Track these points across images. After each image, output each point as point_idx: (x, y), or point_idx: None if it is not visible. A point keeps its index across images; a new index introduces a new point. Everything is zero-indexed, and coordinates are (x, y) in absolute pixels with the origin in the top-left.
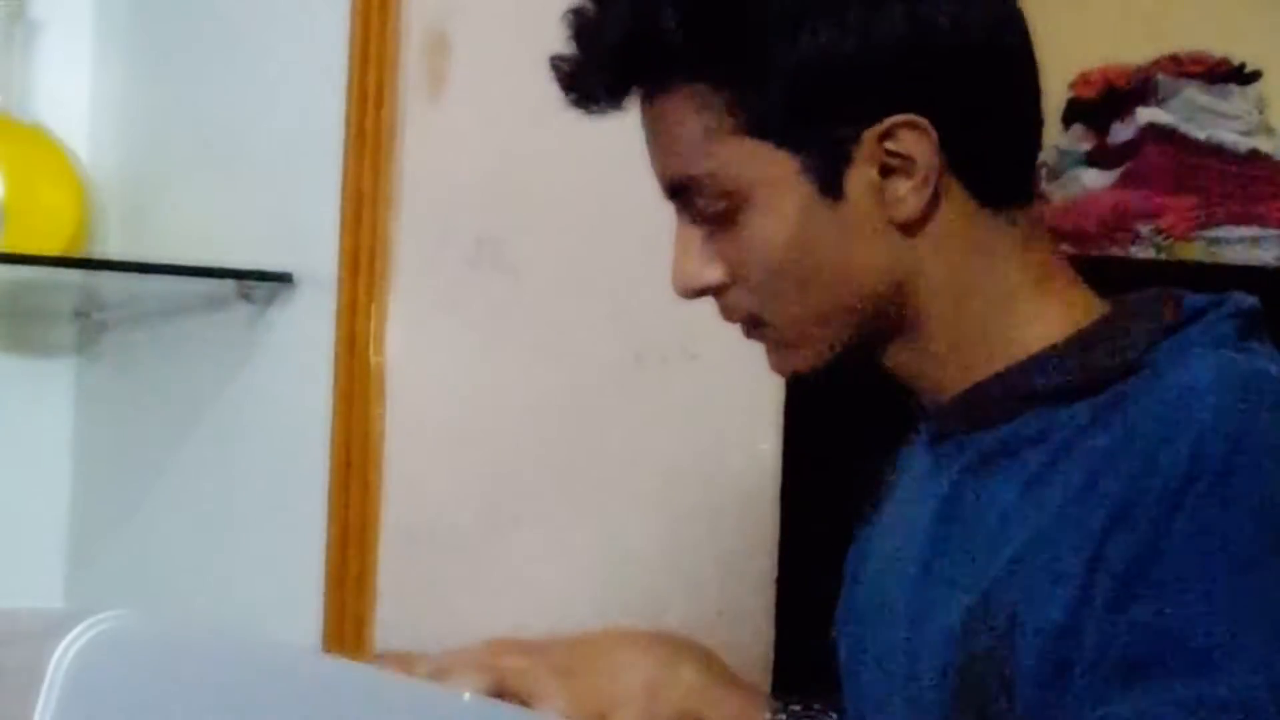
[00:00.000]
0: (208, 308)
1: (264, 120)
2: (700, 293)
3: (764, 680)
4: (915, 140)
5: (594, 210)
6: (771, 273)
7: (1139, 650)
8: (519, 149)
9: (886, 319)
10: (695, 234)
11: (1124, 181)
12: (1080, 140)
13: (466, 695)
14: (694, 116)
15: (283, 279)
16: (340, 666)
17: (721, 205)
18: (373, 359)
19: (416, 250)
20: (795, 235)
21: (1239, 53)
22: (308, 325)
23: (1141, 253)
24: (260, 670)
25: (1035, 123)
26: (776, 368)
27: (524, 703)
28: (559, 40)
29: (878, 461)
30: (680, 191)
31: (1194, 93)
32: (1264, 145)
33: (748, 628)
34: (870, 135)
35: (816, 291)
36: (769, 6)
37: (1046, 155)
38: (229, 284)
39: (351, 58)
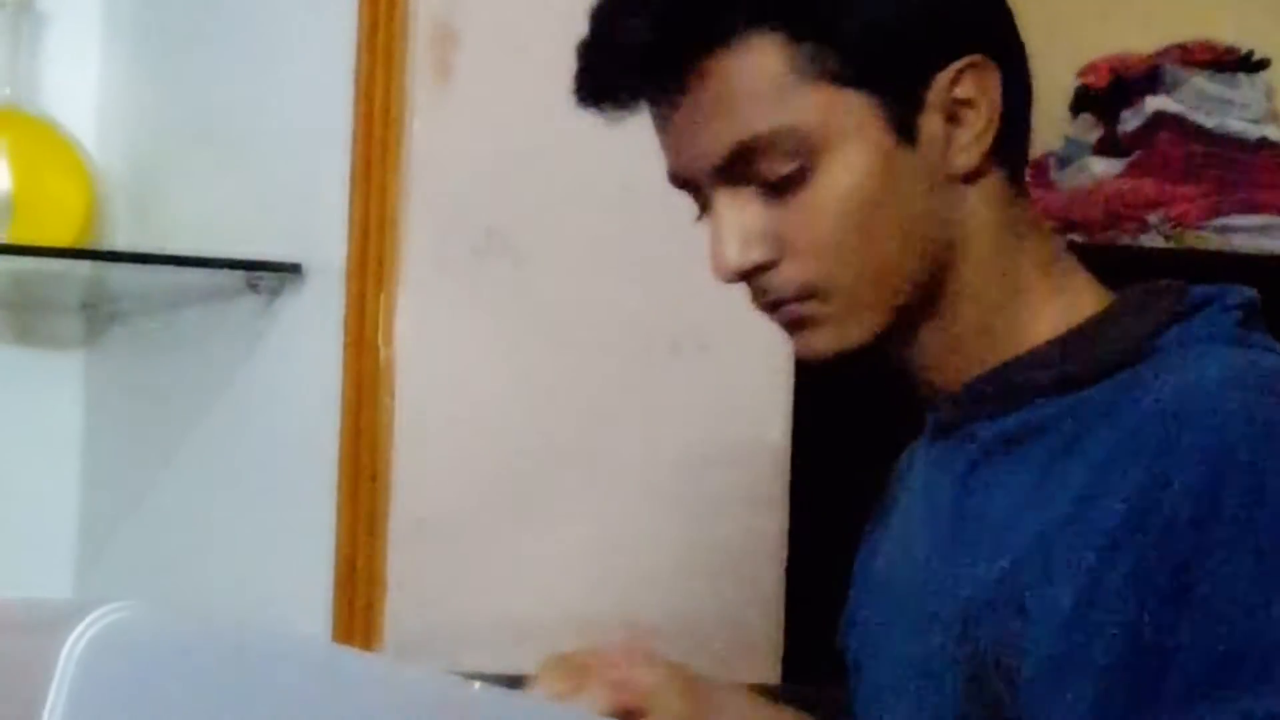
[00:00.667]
0: (216, 299)
1: (272, 111)
2: (744, 275)
3: (774, 671)
4: (981, 82)
5: (603, 201)
6: (842, 227)
7: (1197, 667)
8: (527, 140)
9: (925, 293)
10: (742, 210)
11: (1132, 170)
12: (1089, 129)
13: (476, 685)
14: (765, 69)
15: (291, 270)
16: (350, 657)
17: (791, 165)
18: (381, 350)
19: (425, 241)
20: (872, 182)
21: (1247, 41)
22: (316, 316)
23: (1150, 241)
24: (270, 661)
25: (1031, 88)
26: (824, 346)
27: None
28: (565, 31)
29: (886, 461)
30: (736, 162)
31: (1202, 81)
32: (1272, 133)
33: (758, 618)
34: (941, 78)
35: (882, 246)
36: None
37: (1055, 144)
38: (237, 275)
39: (359, 49)
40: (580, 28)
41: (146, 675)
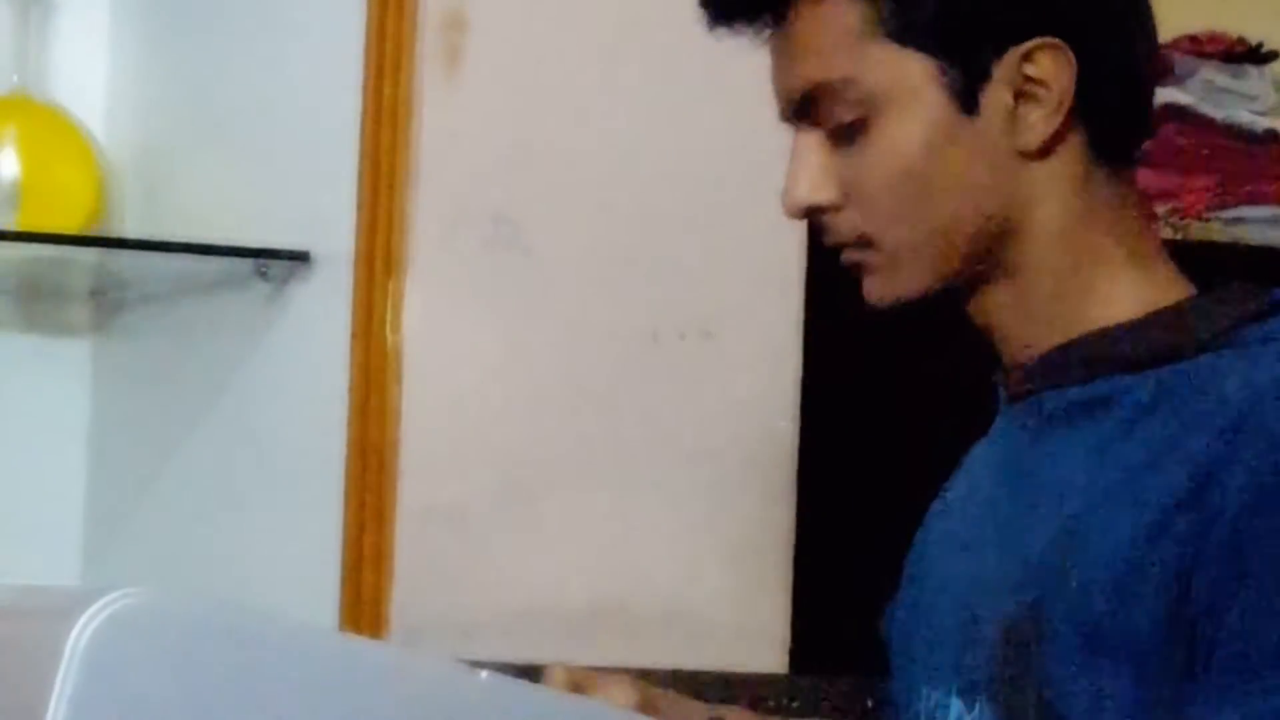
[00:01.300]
0: (224, 286)
1: (281, 99)
2: (809, 212)
3: (781, 660)
4: (1054, 65)
5: (611, 189)
6: (894, 186)
7: (1242, 648)
8: (536, 127)
9: (992, 256)
10: (815, 150)
11: (1141, 161)
12: None
13: (484, 674)
14: (841, 19)
15: (300, 258)
16: (358, 645)
17: (855, 114)
18: (390, 338)
19: (434, 229)
20: (925, 146)
21: (1256, 33)
22: (325, 304)
23: (1158, 233)
24: (277, 649)
25: (1152, 74)
26: (879, 294)
27: None
28: (575, 17)
29: (893, 452)
30: (810, 102)
31: (1211, 73)
32: None
33: (766, 607)
34: (1012, 55)
35: (934, 210)
36: None
37: None
38: (246, 263)
39: (368, 36)
40: (589, 16)
41: (153, 662)
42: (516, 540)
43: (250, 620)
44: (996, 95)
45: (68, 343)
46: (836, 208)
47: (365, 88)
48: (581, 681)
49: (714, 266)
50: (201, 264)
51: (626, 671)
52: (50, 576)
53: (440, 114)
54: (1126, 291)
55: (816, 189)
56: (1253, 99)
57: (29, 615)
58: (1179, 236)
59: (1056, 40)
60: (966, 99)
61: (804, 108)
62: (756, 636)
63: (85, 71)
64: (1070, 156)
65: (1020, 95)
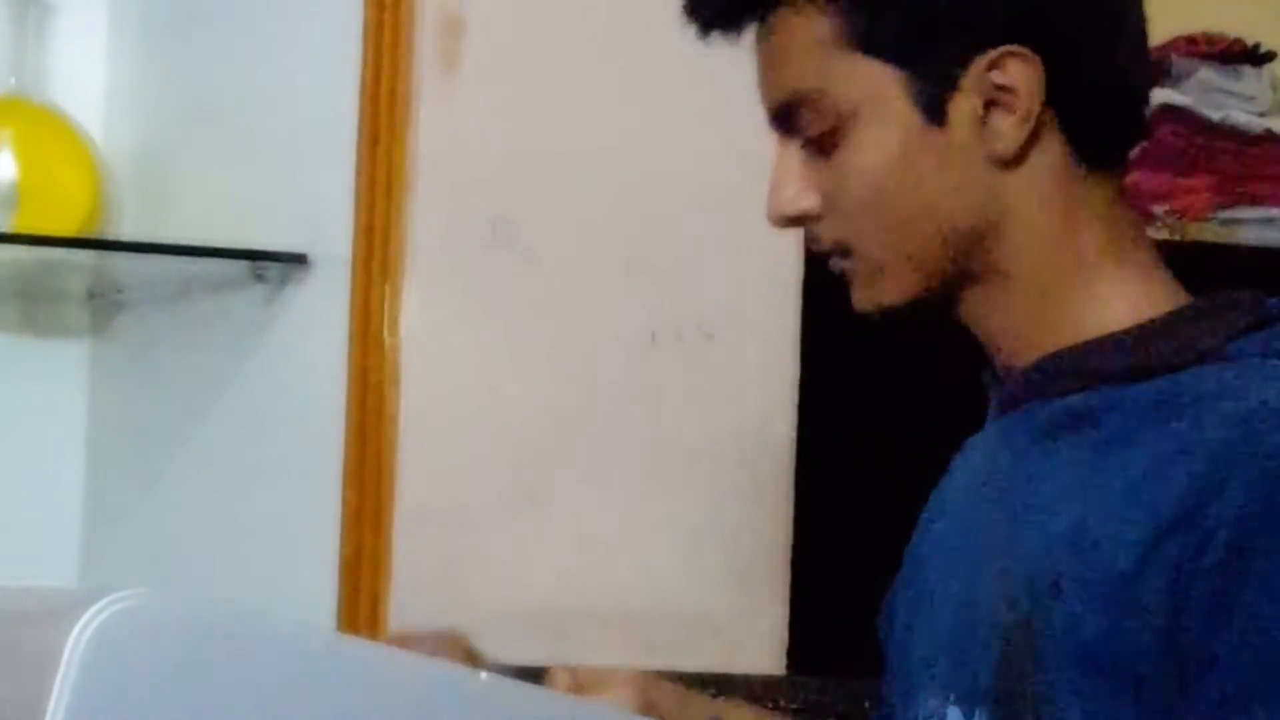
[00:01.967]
0: (222, 288)
1: (279, 101)
2: (793, 220)
3: (779, 662)
4: (1021, 72)
5: (609, 191)
6: (867, 197)
7: (1236, 676)
8: (534, 130)
9: (974, 261)
10: (795, 160)
11: (1137, 162)
12: None
13: (483, 674)
14: (808, 32)
15: (297, 260)
16: (355, 646)
17: (828, 124)
18: (387, 340)
19: (431, 231)
20: (895, 158)
21: (1253, 34)
22: (322, 306)
23: (1155, 234)
24: (274, 650)
25: (1141, 78)
26: (864, 302)
27: None
28: (572, 19)
29: (890, 453)
30: (787, 112)
31: (1208, 73)
32: (1277, 126)
33: (763, 608)
34: (978, 63)
35: (909, 220)
36: None
37: None
38: (243, 265)
39: (366, 39)
40: (586, 19)
41: (152, 664)
42: (514, 541)
43: (248, 622)
44: (965, 104)
45: (65, 345)
46: (818, 216)
47: (363, 90)
48: (584, 682)
49: (712, 268)
50: (199, 266)
51: (630, 671)
52: (48, 578)
53: (438, 117)
54: (1118, 299)
55: (798, 198)
56: (1250, 99)
57: (27, 617)
58: (1176, 237)
59: (1023, 48)
60: (934, 109)
61: (784, 117)
62: (755, 638)
63: (83, 74)
64: (1050, 162)
65: (990, 103)
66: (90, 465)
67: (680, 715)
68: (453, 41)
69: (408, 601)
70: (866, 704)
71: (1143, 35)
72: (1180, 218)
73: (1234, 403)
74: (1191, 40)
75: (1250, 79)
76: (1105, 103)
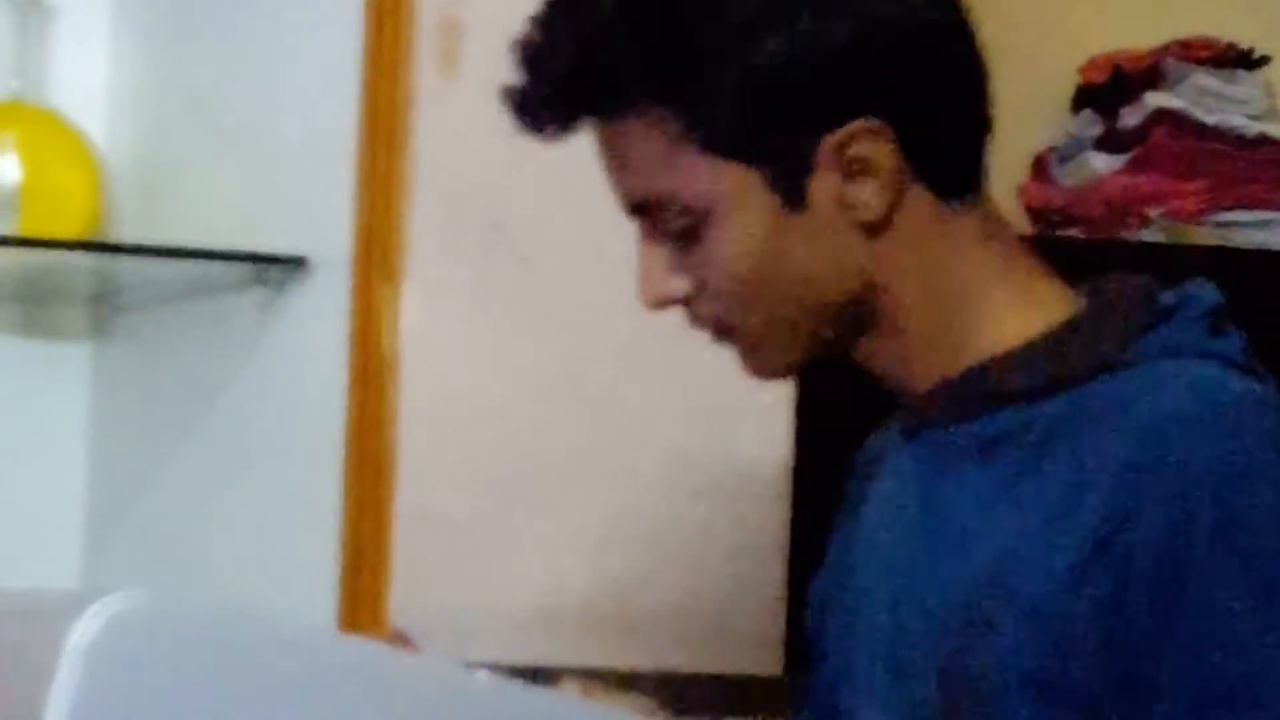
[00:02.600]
0: (222, 291)
1: (279, 104)
2: (667, 305)
3: (776, 664)
4: (875, 144)
5: (607, 194)
6: (738, 284)
7: (1184, 701)
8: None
9: (857, 316)
10: (658, 249)
11: (1133, 166)
12: (1090, 125)
13: (483, 674)
14: (650, 137)
15: (297, 263)
16: (355, 646)
17: (685, 221)
18: (386, 342)
19: (430, 234)
20: (760, 247)
21: (1247, 38)
22: (322, 309)
23: (1151, 237)
24: (275, 649)
25: (984, 108)
26: (752, 371)
27: None
28: None
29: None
30: (642, 209)
31: (1202, 77)
32: (1272, 129)
33: (760, 610)
34: (829, 142)
35: (784, 299)
36: (715, 23)
37: (1056, 140)
38: (243, 268)
39: (365, 41)
40: None
41: (153, 663)
42: (513, 542)
43: (249, 622)
44: (824, 183)
45: (67, 347)
46: (691, 297)
47: (362, 93)
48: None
49: None
50: (200, 269)
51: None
52: (50, 580)
53: (436, 119)
54: (1008, 317)
55: (667, 284)
56: (1244, 103)
57: (29, 617)
58: (1171, 240)
59: (873, 122)
60: (792, 196)
61: (640, 212)
62: (752, 638)
63: (85, 77)
64: (917, 212)
65: (848, 174)
66: (92, 467)
67: None
68: (452, 45)
69: (408, 601)
70: None
71: (982, 69)
72: (1175, 221)
73: (1142, 415)
74: (1186, 45)
75: (1245, 83)
76: (959, 143)
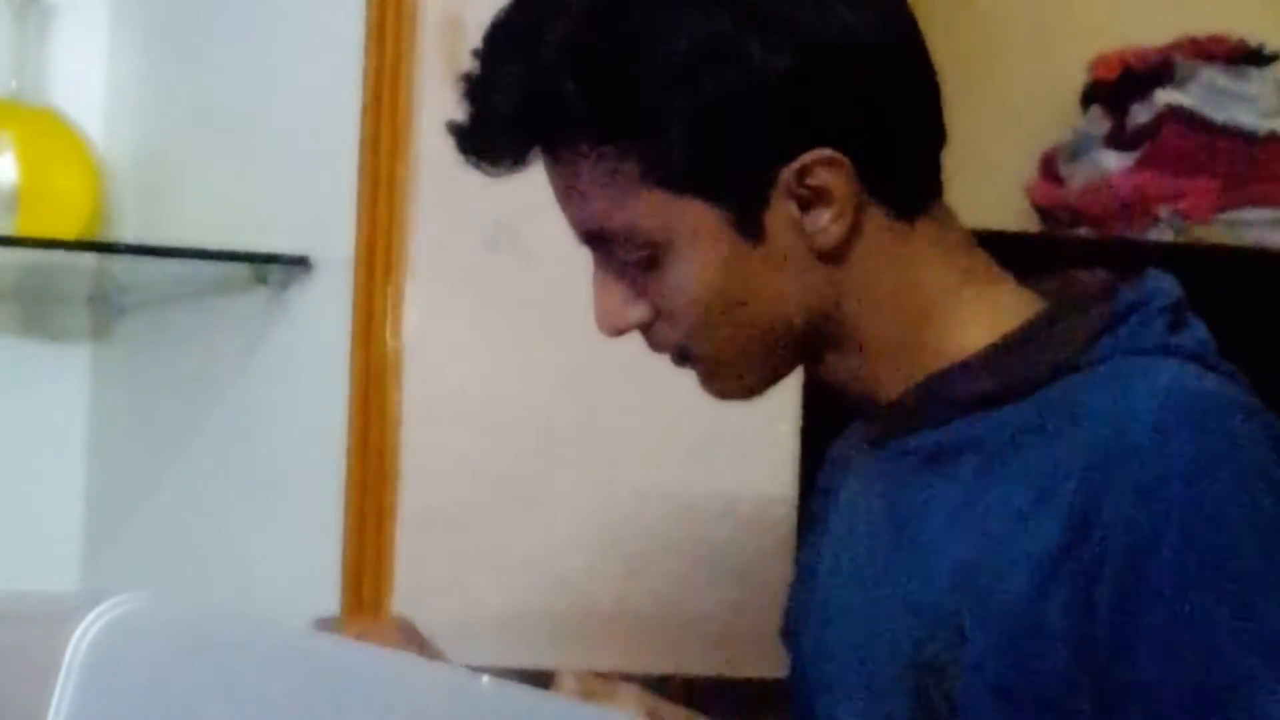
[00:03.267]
0: (224, 291)
1: (280, 103)
2: (625, 331)
3: (779, 666)
4: (830, 173)
5: None
6: (697, 314)
7: (1159, 705)
8: None
9: (819, 338)
10: (614, 278)
11: (1143, 164)
12: (1099, 123)
13: (485, 679)
14: (601, 174)
15: (299, 262)
16: (358, 649)
17: (641, 254)
18: (389, 342)
19: (433, 234)
20: (718, 279)
21: (1258, 35)
22: (324, 309)
23: (1160, 236)
24: (277, 653)
25: (937, 121)
26: (714, 393)
27: None
28: None
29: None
30: (596, 239)
31: (1213, 75)
32: None
33: (765, 613)
34: (785, 175)
35: (743, 326)
36: (661, 60)
37: (1065, 137)
38: (245, 268)
39: (368, 41)
40: None
41: (153, 667)
42: (517, 544)
43: (249, 625)
44: (780, 214)
45: (66, 348)
46: (649, 323)
47: (364, 92)
48: (590, 689)
49: None
50: (201, 269)
51: (636, 686)
52: (50, 582)
53: (440, 118)
54: (969, 323)
55: (625, 311)
56: (1254, 101)
57: (29, 621)
58: (1180, 239)
59: (826, 151)
60: (749, 228)
61: (594, 243)
62: (756, 641)
63: (84, 76)
64: (874, 233)
65: (804, 204)
66: (92, 469)
67: None
68: (454, 44)
69: (411, 604)
70: None
71: (931, 83)
72: (1185, 219)
73: (1104, 417)
74: (1196, 42)
75: (1255, 80)
76: (913, 161)
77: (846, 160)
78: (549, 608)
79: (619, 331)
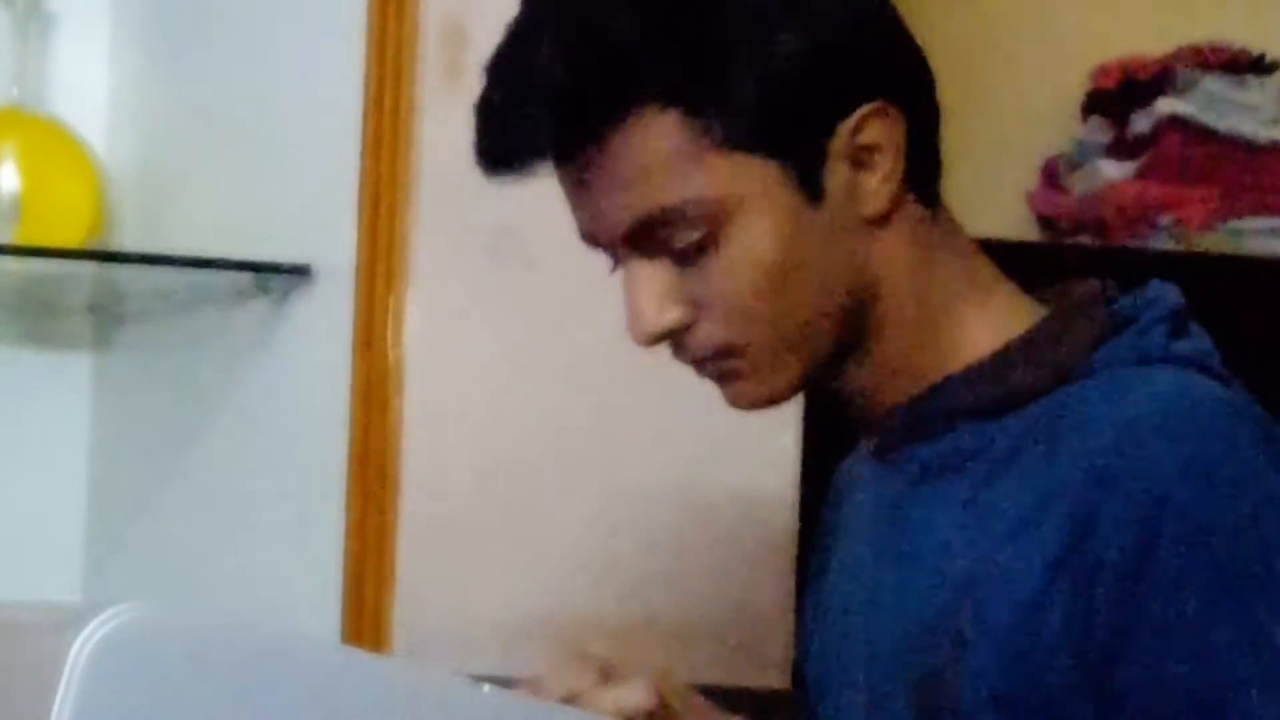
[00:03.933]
0: (225, 300)
1: (281, 112)
2: (662, 338)
3: (783, 676)
4: (885, 127)
5: None
6: (754, 289)
7: (1149, 712)
8: None
9: (850, 332)
10: (654, 276)
11: (1143, 173)
12: (1100, 131)
13: (486, 688)
14: (663, 142)
15: (300, 271)
16: (359, 659)
17: (698, 233)
18: (391, 351)
19: (435, 242)
20: (781, 243)
21: (1258, 44)
22: (326, 318)
23: (1161, 244)
24: (279, 663)
25: (939, 113)
26: (749, 399)
27: None
28: None
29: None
30: (643, 232)
31: (1213, 83)
32: None
33: (768, 622)
34: (843, 129)
35: (798, 301)
36: (728, 17)
37: (1065, 146)
38: (246, 277)
39: (369, 49)
40: None
41: (155, 677)
42: (519, 554)
43: (251, 635)
44: (836, 173)
45: (67, 357)
46: (689, 325)
47: (366, 101)
48: (598, 675)
49: None
50: (202, 278)
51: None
52: (51, 592)
53: (441, 127)
54: (974, 330)
55: (664, 313)
56: (1255, 110)
57: (30, 630)
58: (1181, 248)
59: (880, 103)
60: (812, 187)
61: (635, 238)
62: (759, 651)
63: (85, 85)
64: (907, 211)
65: (856, 165)
66: (93, 478)
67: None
68: (456, 52)
69: (412, 613)
70: None
71: (932, 73)
72: (1186, 228)
73: (1104, 425)
74: (1197, 50)
75: (1256, 89)
76: (933, 141)
77: (899, 114)
78: (551, 617)
79: (654, 338)
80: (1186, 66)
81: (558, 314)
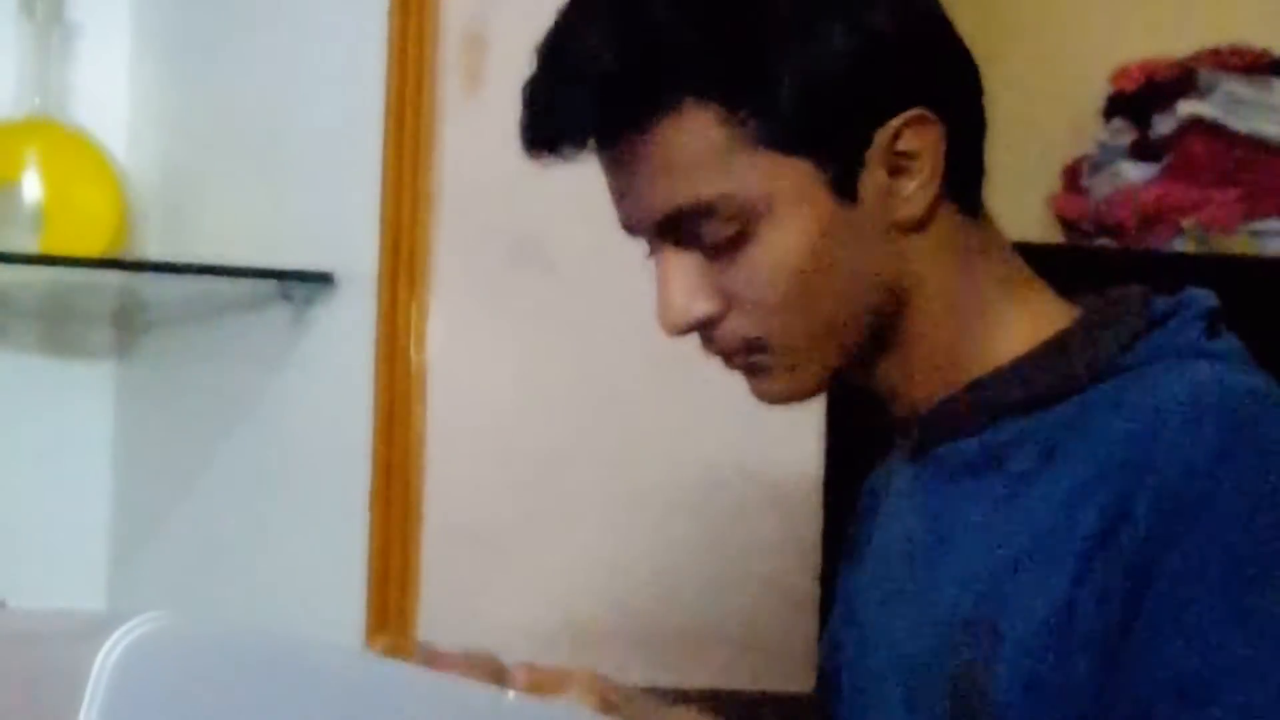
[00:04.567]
0: (248, 308)
1: (303, 120)
2: (691, 328)
3: (806, 681)
4: (923, 136)
5: None
6: (783, 286)
7: (1164, 691)
8: None
9: (882, 331)
10: (685, 267)
11: (1165, 175)
12: (1121, 134)
13: (511, 694)
14: (702, 135)
15: (323, 279)
16: (383, 666)
17: (732, 228)
18: (414, 358)
19: (457, 249)
20: (813, 244)
21: (1279, 46)
22: (348, 325)
23: (1183, 247)
24: (303, 671)
25: (983, 110)
26: (775, 394)
27: None
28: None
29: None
30: (676, 223)
31: (1235, 85)
32: None
33: (791, 627)
34: (881, 135)
35: (827, 301)
36: (773, 15)
37: (1088, 149)
38: (269, 284)
39: (389, 57)
40: None
41: (179, 686)
42: (542, 558)
43: (276, 643)
44: (873, 177)
45: (91, 366)
46: (719, 318)
47: (387, 108)
48: (541, 681)
49: None
50: (225, 286)
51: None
52: (75, 600)
53: (462, 133)
54: (1012, 330)
55: (694, 305)
56: (1276, 111)
57: (55, 640)
58: (1203, 249)
59: (922, 111)
60: (847, 190)
61: (669, 228)
62: (782, 655)
63: (107, 94)
64: (945, 216)
65: (893, 172)
66: (117, 486)
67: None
68: (476, 59)
69: (436, 619)
70: None
71: (978, 74)
72: (1208, 230)
73: (1140, 414)
74: (1219, 53)
75: (1277, 91)
76: (976, 149)
77: (939, 122)
78: (574, 622)
79: (685, 327)
80: (1208, 69)
81: (579, 320)
